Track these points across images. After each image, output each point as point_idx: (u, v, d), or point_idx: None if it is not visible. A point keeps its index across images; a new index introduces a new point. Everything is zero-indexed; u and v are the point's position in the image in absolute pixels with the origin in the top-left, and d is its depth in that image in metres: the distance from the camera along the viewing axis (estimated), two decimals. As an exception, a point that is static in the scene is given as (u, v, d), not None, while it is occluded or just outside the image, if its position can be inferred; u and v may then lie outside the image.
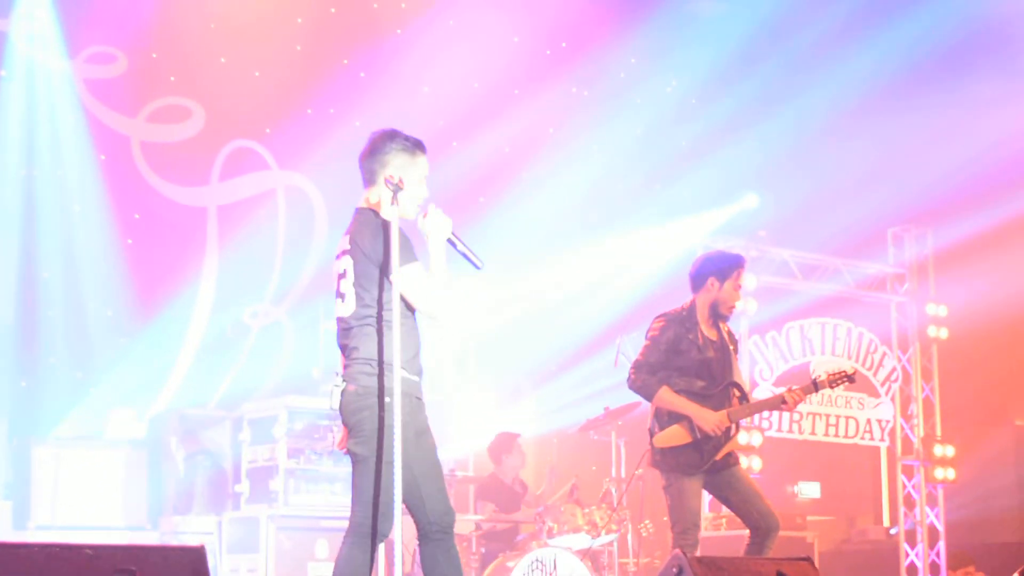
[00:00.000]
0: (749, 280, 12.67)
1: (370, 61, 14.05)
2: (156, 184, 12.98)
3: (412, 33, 14.17)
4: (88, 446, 11.20)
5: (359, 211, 6.36)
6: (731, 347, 8.53)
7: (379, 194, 6.29)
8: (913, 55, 15.01)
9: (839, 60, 15.08)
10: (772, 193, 15.36)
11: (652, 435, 8.38)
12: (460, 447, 12.69)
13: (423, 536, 6.23)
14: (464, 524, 10.76)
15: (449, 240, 6.25)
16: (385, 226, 6.16)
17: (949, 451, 14.38)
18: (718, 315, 8.50)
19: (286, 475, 10.80)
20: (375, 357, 6.16)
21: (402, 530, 6.04)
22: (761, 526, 8.20)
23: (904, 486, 14.46)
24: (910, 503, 14.45)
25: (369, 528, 6.09)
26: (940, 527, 14.39)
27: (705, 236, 13.65)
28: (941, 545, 14.31)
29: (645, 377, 8.31)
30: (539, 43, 15.00)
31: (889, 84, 14.98)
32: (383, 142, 6.35)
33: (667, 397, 8.27)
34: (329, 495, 11.00)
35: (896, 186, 15.00)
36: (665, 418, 8.32)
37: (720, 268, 8.51)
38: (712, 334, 8.46)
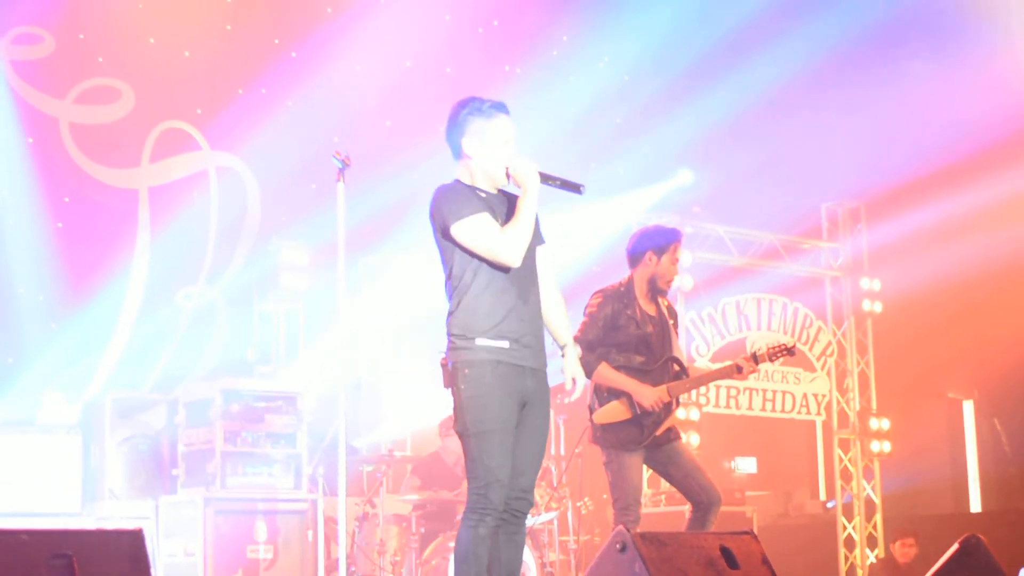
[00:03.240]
0: (685, 256, 12.69)
1: (301, 40, 13.93)
2: (86, 166, 12.80)
3: (343, 12, 14.05)
4: (20, 432, 11.04)
5: None
6: (670, 322, 8.53)
7: (460, 166, 6.27)
8: (847, 33, 15.06)
9: (772, 36, 15.10)
10: (706, 169, 15.37)
11: (592, 412, 8.36)
12: (397, 427, 12.64)
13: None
14: (403, 504, 10.72)
15: (544, 182, 6.18)
16: (440, 191, 6.15)
17: (884, 424, 14.50)
18: (656, 290, 8.49)
19: (223, 458, 10.69)
20: (455, 332, 6.10)
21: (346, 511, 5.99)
22: (703, 500, 8.20)
23: (840, 460, 14.56)
24: (847, 476, 14.55)
25: (476, 504, 5.98)
26: (876, 500, 14.50)
27: (640, 213, 13.66)
28: (878, 518, 14.43)
29: (584, 354, 8.23)
30: (471, 21, 14.92)
31: (823, 61, 15.01)
32: (456, 111, 6.26)
33: (606, 373, 8.25)
34: (267, 477, 10.90)
35: (830, 162, 15.08)
36: (605, 394, 8.30)
37: (657, 243, 8.50)
38: (651, 309, 8.45)
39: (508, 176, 6.18)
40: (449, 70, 14.41)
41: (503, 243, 6.03)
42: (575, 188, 6.26)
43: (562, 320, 6.45)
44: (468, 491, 6.04)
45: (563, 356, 6.40)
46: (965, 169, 14.51)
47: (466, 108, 6.23)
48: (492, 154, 6.19)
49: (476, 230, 6.03)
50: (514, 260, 6.06)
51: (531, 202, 6.11)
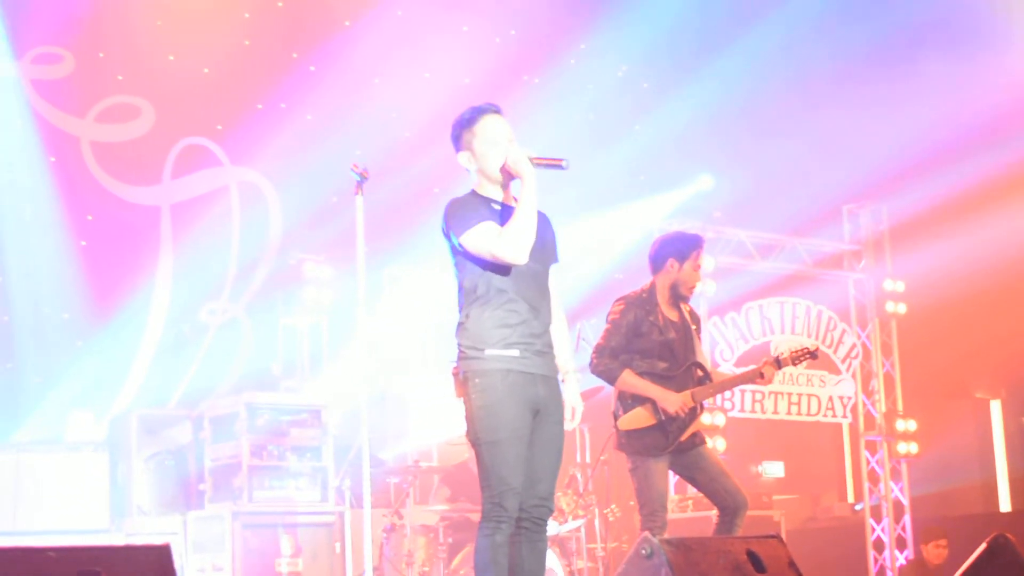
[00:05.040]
0: (707, 261, 12.67)
1: (320, 54, 13.97)
2: (108, 184, 12.88)
3: (361, 25, 14.09)
4: (48, 450, 11.09)
5: None
6: (693, 327, 8.51)
7: (472, 179, 6.30)
8: (865, 34, 15.06)
9: (790, 40, 15.09)
10: (727, 174, 15.38)
11: (616, 418, 8.36)
12: (423, 438, 12.65)
13: (516, 521, 6.08)
14: (431, 515, 10.74)
15: (537, 167, 6.11)
16: (449, 205, 6.16)
17: (911, 425, 14.44)
18: (679, 296, 8.48)
19: (249, 472, 10.71)
20: (465, 343, 6.13)
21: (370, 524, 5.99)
22: (729, 505, 8.18)
23: (868, 462, 14.50)
24: (874, 478, 14.50)
25: (491, 513, 5.99)
26: (905, 501, 14.45)
27: (661, 219, 13.64)
28: (907, 519, 14.38)
29: (607, 361, 8.28)
30: (488, 32, 14.95)
31: (840, 61, 15.03)
32: (452, 128, 6.28)
33: (630, 380, 8.24)
34: (294, 490, 10.91)
35: (849, 162, 15.05)
36: (629, 401, 8.29)
37: (679, 249, 8.49)
38: (673, 315, 8.44)
39: (510, 174, 6.14)
40: (467, 80, 14.41)
41: (504, 242, 6.00)
42: (557, 164, 6.16)
43: (566, 346, 6.43)
44: (483, 500, 6.05)
45: (563, 383, 6.39)
46: (985, 167, 14.48)
47: (456, 124, 6.26)
48: (484, 160, 6.19)
49: (479, 237, 6.02)
50: (518, 257, 6.03)
51: (528, 193, 6.07)
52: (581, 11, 15.29)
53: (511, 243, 6.00)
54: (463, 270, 6.16)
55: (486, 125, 6.22)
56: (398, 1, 14.18)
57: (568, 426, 6.36)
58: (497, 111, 6.28)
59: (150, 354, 12.82)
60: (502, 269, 6.09)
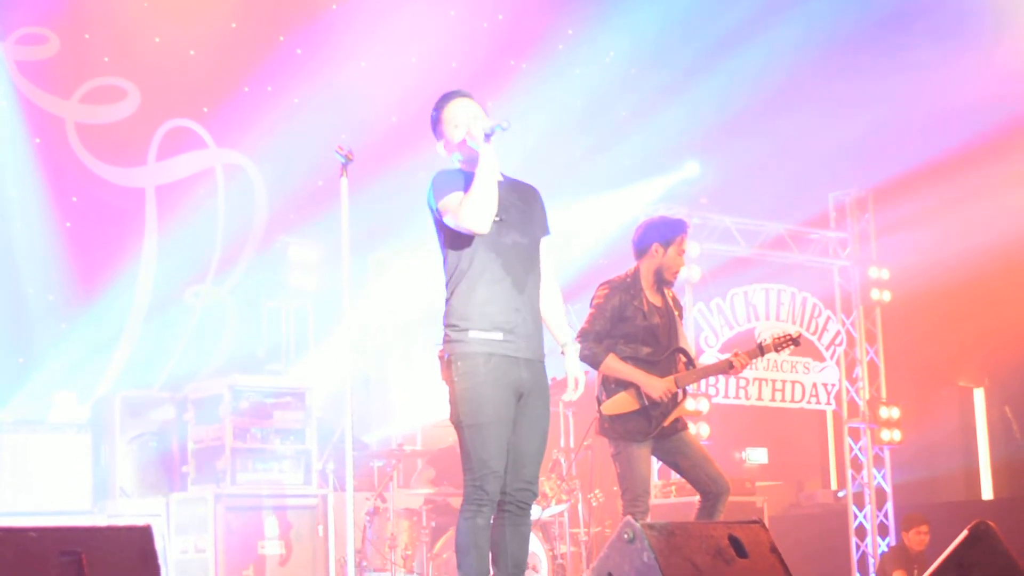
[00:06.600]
0: (692, 247, 12.67)
1: (306, 37, 13.93)
2: (93, 166, 12.82)
3: (348, 8, 14.06)
4: (31, 431, 11.05)
5: None
6: (676, 313, 8.53)
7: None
8: (852, 19, 15.04)
9: (777, 26, 15.07)
10: (713, 160, 15.36)
11: (600, 403, 8.37)
12: (407, 422, 12.65)
13: (499, 504, 6.13)
14: (415, 499, 10.74)
15: (488, 137, 6.12)
16: (434, 177, 6.22)
17: (895, 413, 14.47)
18: (663, 281, 8.49)
19: (232, 454, 10.72)
20: (449, 322, 6.17)
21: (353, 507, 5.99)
22: (711, 490, 8.20)
23: (851, 449, 14.53)
24: (857, 466, 14.53)
25: (472, 496, 6.03)
26: (888, 488, 14.48)
27: (647, 204, 13.64)
28: (889, 506, 14.41)
29: (591, 345, 8.28)
30: (476, 16, 14.91)
31: (828, 50, 15.00)
32: (429, 123, 6.42)
33: (614, 365, 8.25)
34: (277, 473, 10.93)
35: (837, 151, 15.04)
36: (612, 386, 8.31)
37: (663, 234, 8.50)
38: (657, 300, 8.45)
39: (475, 146, 6.15)
40: (455, 65, 14.38)
41: (463, 211, 6.02)
42: (502, 127, 6.13)
43: (560, 319, 6.45)
44: (464, 483, 6.06)
45: (563, 355, 6.41)
46: (972, 155, 14.49)
47: (430, 118, 6.39)
48: (452, 144, 6.29)
49: (448, 204, 6.07)
50: (478, 226, 6.04)
51: (485, 161, 6.08)
52: (569, -3, 15.29)
53: (469, 211, 6.00)
54: (447, 245, 6.19)
55: (452, 109, 6.32)
56: (386, -16, 14.16)
57: (572, 396, 6.38)
58: (465, 95, 6.35)
59: (134, 336, 12.79)
60: (483, 244, 6.11)
